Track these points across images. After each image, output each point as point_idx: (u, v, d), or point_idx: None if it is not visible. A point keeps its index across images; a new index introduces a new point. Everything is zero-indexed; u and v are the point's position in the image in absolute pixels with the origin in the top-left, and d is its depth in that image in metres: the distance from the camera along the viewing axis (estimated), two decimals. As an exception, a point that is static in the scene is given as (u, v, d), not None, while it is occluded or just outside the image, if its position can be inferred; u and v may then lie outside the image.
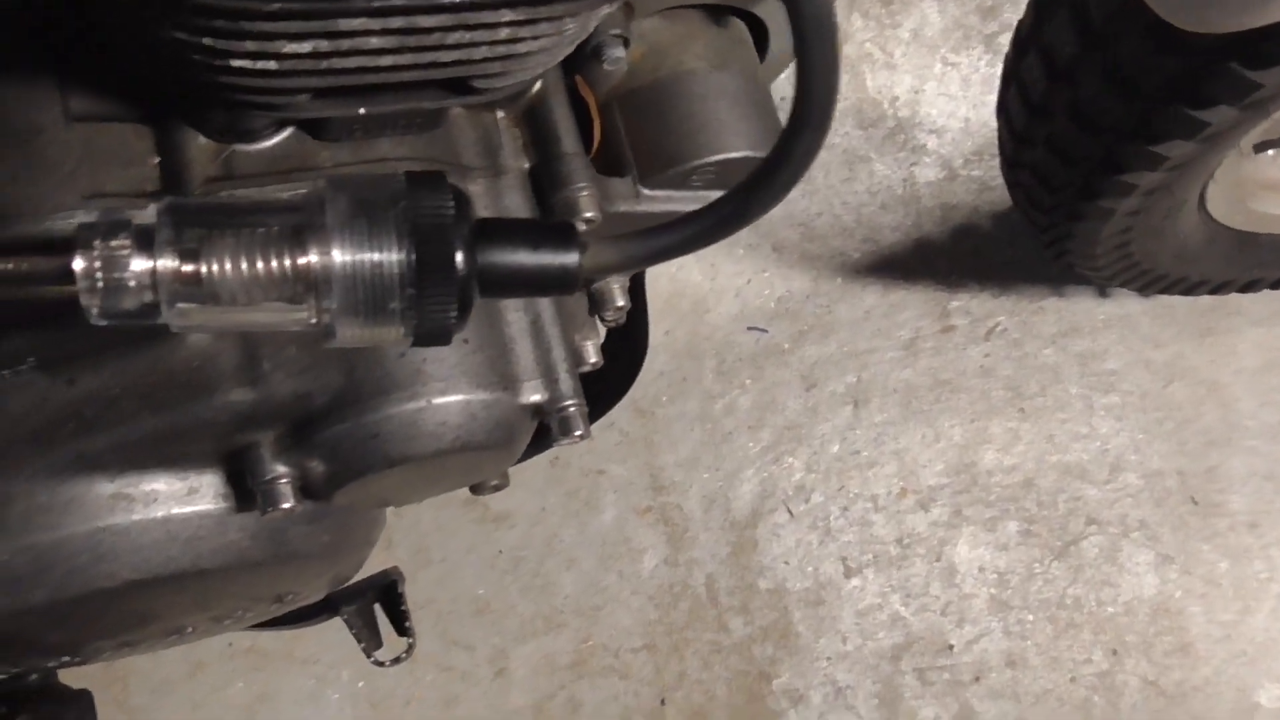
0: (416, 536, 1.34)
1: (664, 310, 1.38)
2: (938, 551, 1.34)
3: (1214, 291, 1.29)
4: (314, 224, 0.43)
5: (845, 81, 1.44)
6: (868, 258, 1.40)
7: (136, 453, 0.63)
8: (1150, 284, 1.25)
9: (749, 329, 1.38)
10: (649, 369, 1.39)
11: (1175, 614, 1.32)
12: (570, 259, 0.46)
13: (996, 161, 1.20)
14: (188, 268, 0.42)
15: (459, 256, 0.44)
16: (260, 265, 0.42)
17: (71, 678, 0.97)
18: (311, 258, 0.43)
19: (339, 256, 0.43)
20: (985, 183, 1.40)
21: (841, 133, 1.41)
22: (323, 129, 0.63)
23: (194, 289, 0.42)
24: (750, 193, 0.44)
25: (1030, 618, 1.33)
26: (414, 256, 0.43)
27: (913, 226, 1.40)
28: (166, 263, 0.42)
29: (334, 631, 1.32)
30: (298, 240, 0.43)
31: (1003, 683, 1.32)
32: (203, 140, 0.62)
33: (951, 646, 1.33)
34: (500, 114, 0.69)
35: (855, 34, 1.43)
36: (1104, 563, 1.33)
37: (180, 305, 0.43)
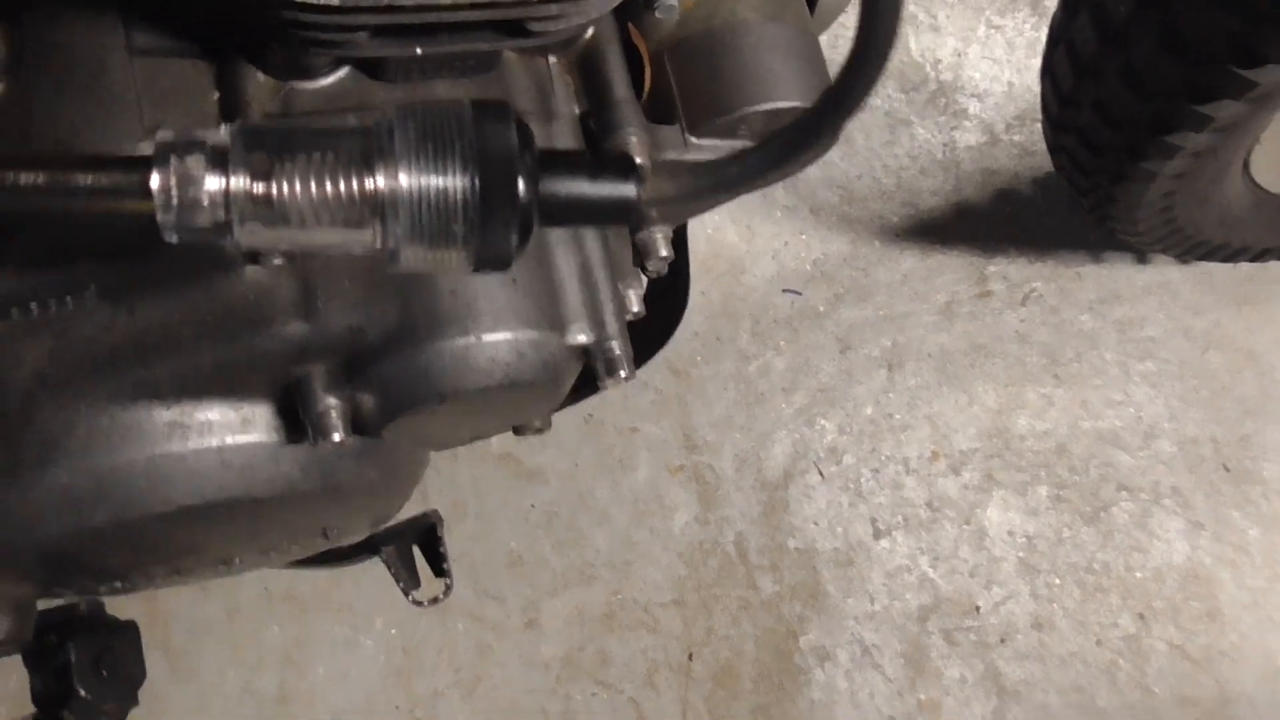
0: (453, 491, 1.36)
1: (700, 271, 1.39)
2: (968, 515, 1.35)
3: (1255, 259, 1.29)
4: (382, 149, 0.44)
5: (888, 43, 1.44)
6: (906, 221, 1.40)
7: (193, 382, 0.65)
8: (1191, 250, 1.24)
9: (784, 291, 1.39)
10: (685, 329, 1.40)
11: (1204, 580, 1.33)
12: (629, 190, 0.47)
13: (1038, 127, 1.20)
14: (259, 188, 0.43)
15: (521, 184, 0.45)
16: (329, 188, 0.43)
17: (116, 613, 1.00)
18: (379, 182, 0.44)
19: (405, 181, 0.44)
20: (1026, 148, 1.39)
21: (883, 95, 1.41)
22: (380, 69, 0.64)
23: (264, 209, 0.43)
24: (809, 127, 0.45)
25: (1058, 581, 1.33)
26: (478, 183, 0.44)
27: (952, 191, 1.40)
28: (239, 182, 0.43)
29: (368, 580, 1.34)
30: (366, 164, 0.44)
31: (1029, 645, 1.33)
32: (262, 77, 0.63)
33: (979, 608, 1.33)
34: (553, 60, 0.70)
35: (899, -5, 1.42)
36: (1134, 529, 1.34)
37: (250, 225, 0.44)
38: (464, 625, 1.35)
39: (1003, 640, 1.33)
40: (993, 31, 1.42)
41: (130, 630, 0.97)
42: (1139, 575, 1.33)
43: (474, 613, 1.35)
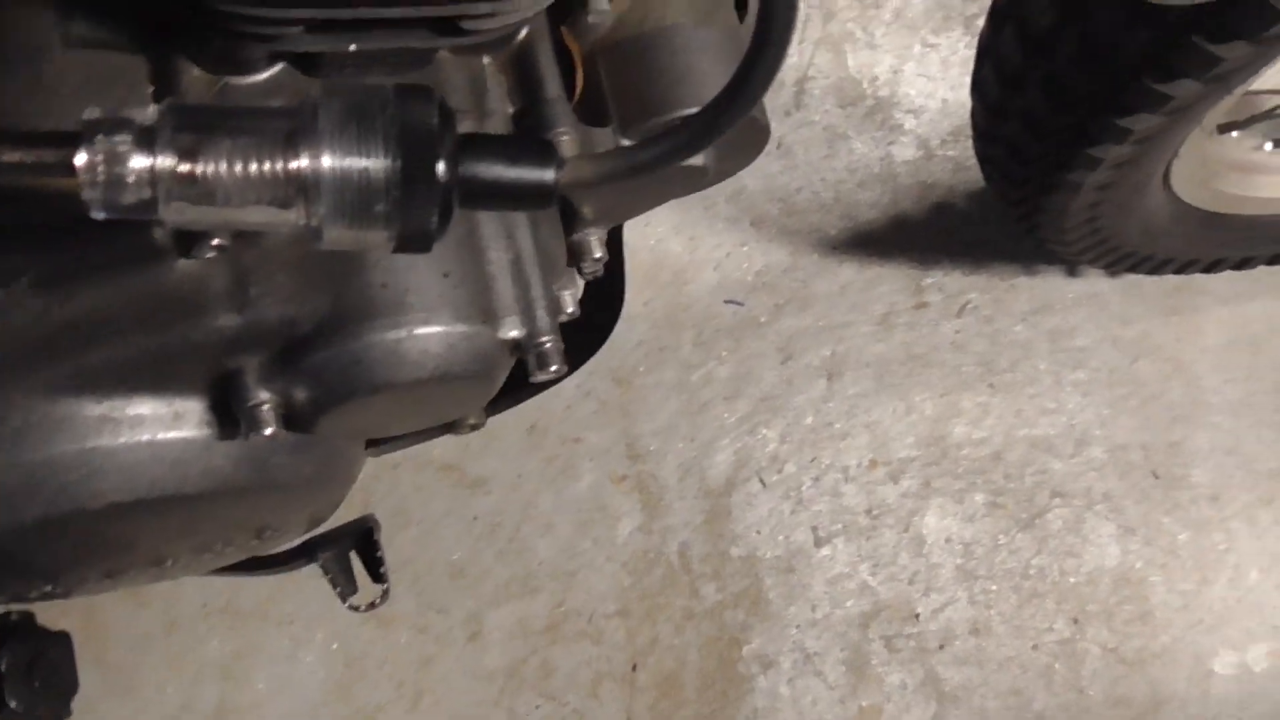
0: (394, 500, 1.36)
1: (644, 281, 1.40)
2: (906, 522, 1.37)
3: (1179, 270, 1.33)
4: (306, 129, 0.45)
5: (827, 60, 1.47)
6: (845, 234, 1.43)
7: (125, 374, 0.65)
8: (1118, 261, 1.28)
9: (727, 301, 1.41)
10: (628, 338, 1.42)
11: (1136, 584, 1.36)
12: (547, 174, 0.48)
13: (971, 142, 1.23)
14: (185, 167, 0.44)
15: (441, 165, 0.46)
16: (254, 167, 0.44)
17: (51, 626, 0.99)
18: (303, 161, 0.45)
19: (329, 161, 0.45)
20: (960, 163, 1.43)
21: (822, 110, 1.44)
22: (315, 65, 0.65)
23: (190, 188, 0.44)
24: (719, 108, 0.47)
25: (995, 587, 1.36)
26: (399, 163, 0.45)
27: (889, 204, 1.43)
28: (165, 161, 0.44)
29: (309, 593, 1.34)
30: (290, 144, 0.45)
31: (967, 650, 1.35)
32: (197, 71, 0.64)
33: (918, 615, 1.35)
34: (487, 59, 0.72)
35: (839, 13, 1.46)
36: (1068, 534, 1.37)
37: (176, 203, 0.45)
38: (406, 637, 1.34)
39: (941, 646, 1.35)
40: (928, 50, 1.46)
41: (62, 640, 0.96)
42: (1073, 580, 1.36)
43: (417, 624, 1.35)
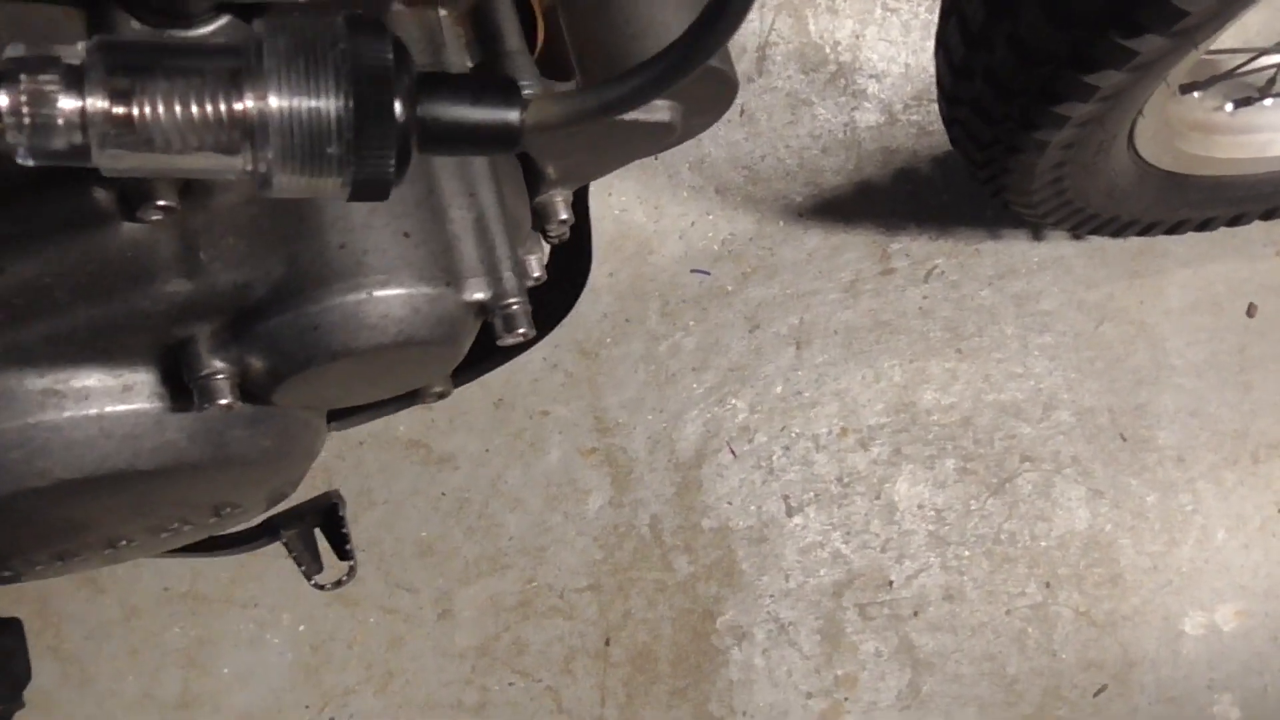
0: (359, 478, 1.33)
1: (608, 251, 1.38)
2: (878, 489, 1.36)
3: (1143, 232, 1.33)
4: (251, 68, 0.42)
5: (788, 25, 1.45)
6: (810, 201, 1.41)
7: (69, 346, 0.62)
8: (1082, 223, 1.27)
9: (693, 271, 1.39)
10: (593, 310, 1.40)
11: (1106, 546, 1.36)
12: (512, 114, 0.46)
13: (935, 107, 1.22)
14: (119, 109, 0.41)
15: (397, 104, 0.44)
16: (195, 109, 0.42)
17: (1, 612, 0.95)
18: (248, 103, 0.42)
19: (275, 102, 0.42)
20: (924, 127, 1.42)
21: (784, 76, 1.43)
22: (261, 17, 0.62)
23: (126, 132, 0.41)
24: (689, 43, 0.45)
25: (967, 553, 1.36)
26: (352, 102, 0.43)
27: (854, 170, 1.42)
28: (97, 102, 0.41)
29: (274, 575, 1.31)
30: (234, 84, 0.42)
31: (941, 616, 1.35)
32: (136, 24, 0.61)
33: (891, 582, 1.35)
34: (443, 12, 0.69)
35: (798, -22, 1.44)
36: (1038, 498, 1.37)
37: (111, 149, 0.42)
38: (375, 618, 1.32)
39: (915, 613, 1.35)
40: (889, 14, 1.45)
41: (14, 626, 0.93)
42: (1044, 544, 1.37)
43: (385, 605, 1.32)
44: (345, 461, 1.33)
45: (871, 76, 1.43)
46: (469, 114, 0.46)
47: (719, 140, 1.40)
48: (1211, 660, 1.36)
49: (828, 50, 1.43)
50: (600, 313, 1.37)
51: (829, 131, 1.42)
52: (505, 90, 0.46)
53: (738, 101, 1.41)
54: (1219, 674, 1.36)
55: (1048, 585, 1.36)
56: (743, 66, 1.42)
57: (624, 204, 1.40)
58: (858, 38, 1.44)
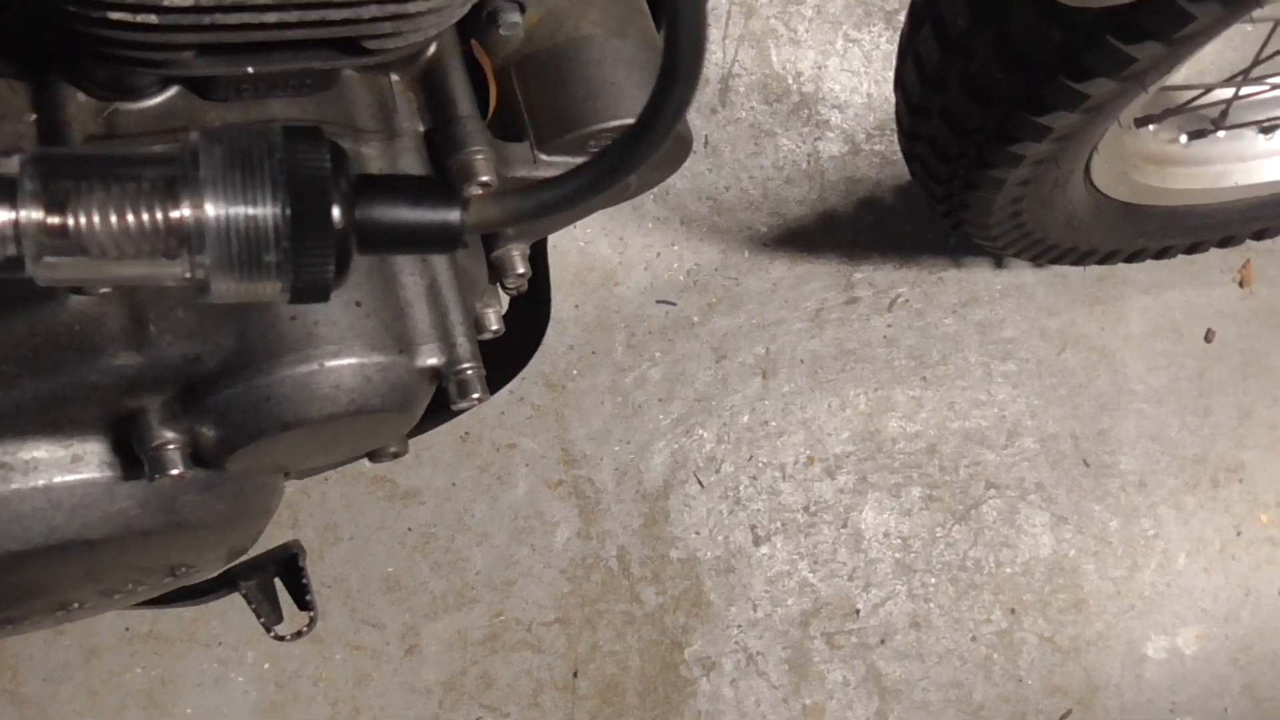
0: (324, 514, 1.33)
1: (573, 284, 1.38)
2: (844, 518, 1.37)
3: (1102, 261, 1.34)
4: (187, 176, 0.42)
5: (750, 57, 1.46)
6: (774, 231, 1.42)
7: (16, 419, 0.62)
8: (1042, 254, 1.29)
9: (658, 302, 1.39)
10: (559, 343, 1.40)
11: (1069, 572, 1.37)
12: (452, 215, 0.46)
13: (897, 137, 1.23)
14: (54, 220, 0.41)
15: (335, 210, 0.44)
16: (131, 218, 0.42)
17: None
18: (184, 211, 0.42)
19: (212, 210, 0.42)
20: (887, 157, 1.43)
21: (747, 107, 1.43)
22: (210, 88, 0.62)
23: (61, 241, 0.41)
24: (629, 146, 0.45)
25: (933, 580, 1.37)
26: (289, 210, 0.42)
27: (817, 200, 1.43)
28: (30, 214, 0.41)
29: (236, 613, 1.30)
30: (170, 193, 0.42)
31: (907, 644, 1.35)
32: (83, 98, 0.60)
33: (858, 611, 1.36)
34: (395, 77, 0.69)
35: (760, 9, 1.44)
36: (1003, 525, 1.38)
37: (48, 259, 0.42)
38: (341, 655, 1.32)
39: (882, 641, 1.36)
40: (850, 45, 1.45)
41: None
42: (1009, 570, 1.38)
43: (351, 641, 1.32)
44: (310, 497, 1.33)
45: (834, 107, 1.44)
46: (409, 215, 0.46)
47: (683, 171, 1.40)
48: (1174, 684, 1.37)
49: (790, 81, 1.44)
50: (566, 345, 1.37)
51: (792, 162, 1.43)
52: (445, 191, 0.46)
53: (701, 132, 1.42)
54: (1181, 697, 1.37)
55: (1013, 611, 1.37)
56: (705, 97, 1.42)
57: (589, 236, 1.40)
58: (820, 68, 1.45)
